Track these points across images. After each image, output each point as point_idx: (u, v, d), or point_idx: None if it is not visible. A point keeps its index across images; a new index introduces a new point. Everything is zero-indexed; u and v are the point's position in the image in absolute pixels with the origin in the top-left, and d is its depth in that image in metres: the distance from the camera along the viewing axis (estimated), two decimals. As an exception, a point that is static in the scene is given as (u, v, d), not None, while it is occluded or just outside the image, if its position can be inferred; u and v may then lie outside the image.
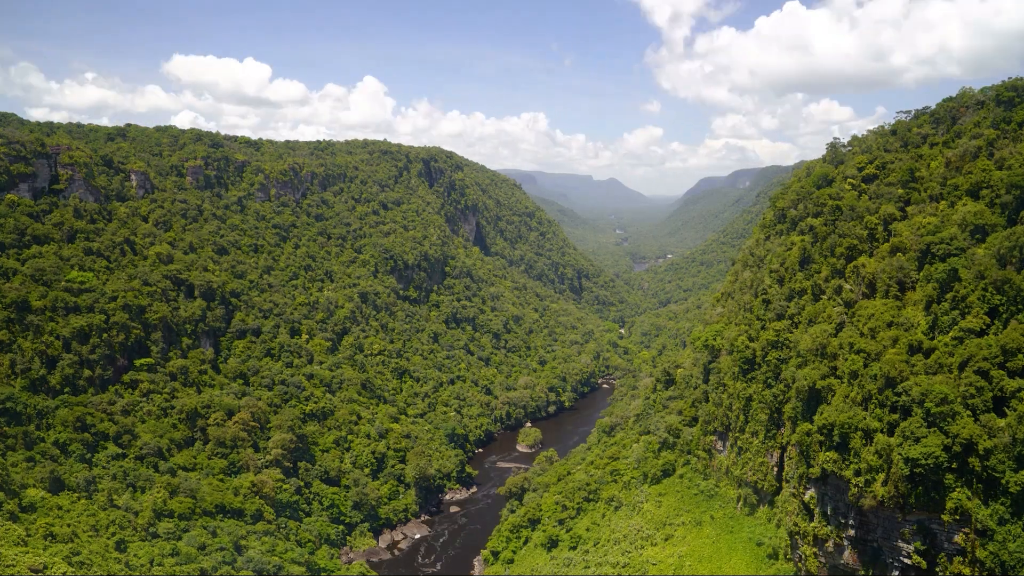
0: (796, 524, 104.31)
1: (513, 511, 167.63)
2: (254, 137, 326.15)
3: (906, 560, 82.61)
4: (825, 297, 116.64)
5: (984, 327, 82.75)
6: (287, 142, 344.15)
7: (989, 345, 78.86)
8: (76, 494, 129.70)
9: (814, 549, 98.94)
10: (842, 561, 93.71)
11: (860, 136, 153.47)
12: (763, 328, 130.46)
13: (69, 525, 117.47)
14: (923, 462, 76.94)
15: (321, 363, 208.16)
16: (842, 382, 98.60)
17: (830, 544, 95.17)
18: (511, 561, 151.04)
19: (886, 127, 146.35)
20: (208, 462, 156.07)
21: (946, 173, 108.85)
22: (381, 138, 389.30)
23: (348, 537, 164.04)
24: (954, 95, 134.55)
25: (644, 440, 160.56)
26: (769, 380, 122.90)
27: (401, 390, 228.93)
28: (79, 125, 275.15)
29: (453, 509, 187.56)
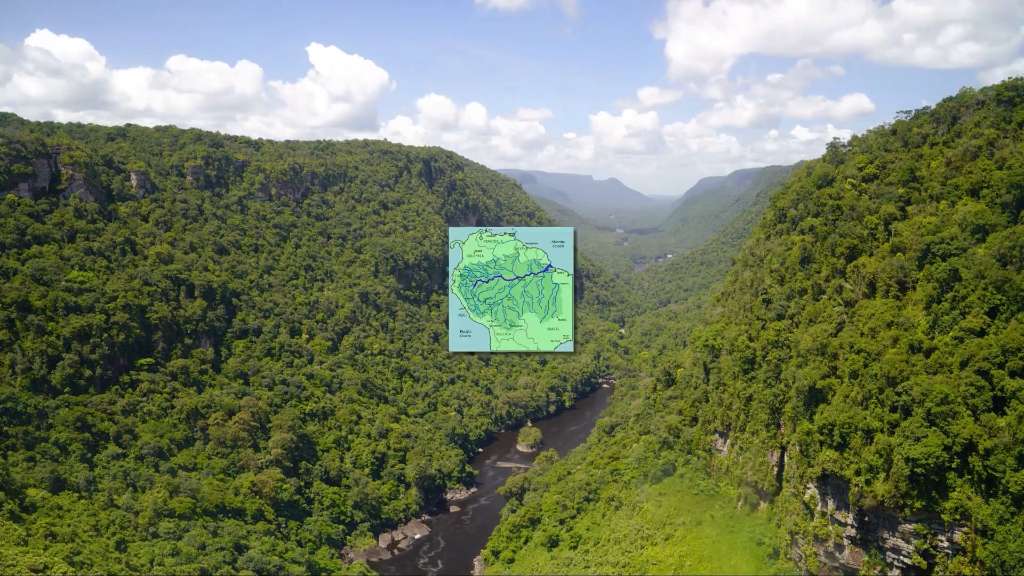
0: (796, 523, 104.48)
1: (513, 511, 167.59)
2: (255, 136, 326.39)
3: (906, 559, 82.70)
4: (825, 297, 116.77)
5: (984, 327, 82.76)
6: (287, 142, 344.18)
7: (989, 345, 78.89)
8: (76, 494, 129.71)
9: (814, 548, 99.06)
10: (842, 560, 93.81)
11: (860, 136, 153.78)
12: (763, 328, 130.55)
13: (70, 525, 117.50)
14: (924, 461, 77.05)
15: (321, 363, 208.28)
16: (842, 382, 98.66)
17: (830, 543, 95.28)
18: (511, 561, 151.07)
19: (886, 127, 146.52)
20: (208, 462, 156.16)
21: (946, 173, 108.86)
22: (382, 138, 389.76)
23: (348, 537, 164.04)
24: (954, 95, 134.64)
25: (644, 440, 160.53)
26: (769, 380, 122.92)
27: (401, 390, 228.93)
28: (79, 125, 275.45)
29: (454, 509, 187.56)
